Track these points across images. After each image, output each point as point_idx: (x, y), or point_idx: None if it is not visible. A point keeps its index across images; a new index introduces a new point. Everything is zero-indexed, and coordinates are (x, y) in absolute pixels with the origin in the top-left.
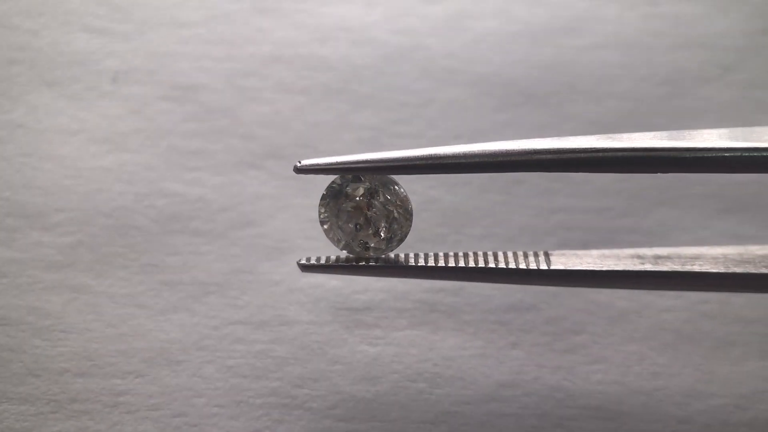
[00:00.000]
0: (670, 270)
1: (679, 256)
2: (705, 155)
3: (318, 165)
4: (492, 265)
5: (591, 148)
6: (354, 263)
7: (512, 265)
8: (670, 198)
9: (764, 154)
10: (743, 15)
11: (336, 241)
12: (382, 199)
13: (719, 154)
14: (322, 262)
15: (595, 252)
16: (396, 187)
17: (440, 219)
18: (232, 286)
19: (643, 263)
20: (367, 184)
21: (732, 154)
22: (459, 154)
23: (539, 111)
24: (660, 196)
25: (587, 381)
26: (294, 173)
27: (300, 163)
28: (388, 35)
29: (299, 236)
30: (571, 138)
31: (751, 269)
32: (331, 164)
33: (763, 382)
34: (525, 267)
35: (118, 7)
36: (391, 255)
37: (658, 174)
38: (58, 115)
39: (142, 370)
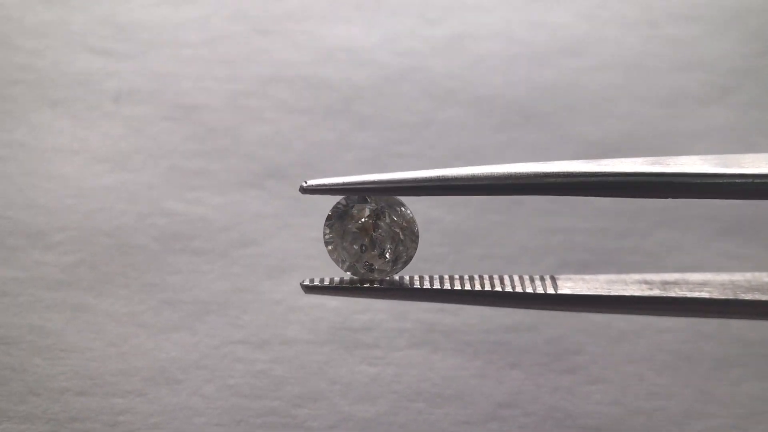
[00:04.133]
0: (678, 296)
1: (687, 282)
2: (693, 181)
3: (324, 185)
4: (498, 288)
5: (581, 173)
6: (358, 285)
7: (519, 289)
8: (669, 219)
9: (747, 180)
10: (741, 38)
11: (340, 263)
12: (388, 220)
13: (706, 181)
14: (326, 283)
15: (602, 277)
16: (402, 208)
17: (441, 239)
18: (233, 306)
19: (651, 288)
20: (373, 205)
21: (718, 180)
22: (466, 176)
23: (539, 131)
24: (659, 218)
25: (586, 401)
26: (296, 193)
27: (306, 183)
28: (389, 56)
29: (300, 256)
30: (563, 162)
31: (759, 296)
32: (337, 184)
33: (762, 403)
34: (532, 291)
35: (121, 28)
36: (396, 277)
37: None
38: (60, 134)
39: (142, 389)
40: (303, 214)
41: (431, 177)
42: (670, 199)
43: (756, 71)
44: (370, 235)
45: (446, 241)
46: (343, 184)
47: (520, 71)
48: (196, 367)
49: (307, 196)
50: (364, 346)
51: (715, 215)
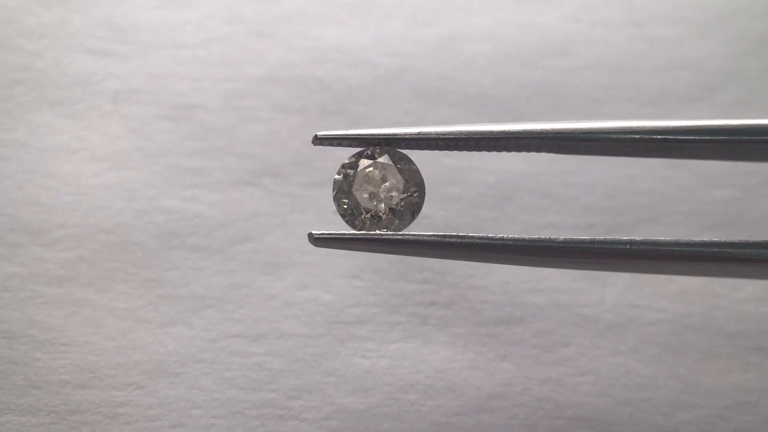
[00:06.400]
0: (685, 240)
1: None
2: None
3: (335, 135)
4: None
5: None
6: (367, 236)
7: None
8: (655, 215)
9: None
10: (726, 38)
11: (348, 216)
12: (394, 174)
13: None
14: (334, 233)
15: None
16: (409, 163)
17: None
18: (230, 300)
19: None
20: (381, 160)
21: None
22: (473, 131)
23: None
24: (646, 213)
25: (575, 392)
26: (292, 190)
27: (318, 134)
28: (381, 57)
29: (295, 251)
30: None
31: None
32: (348, 135)
33: (746, 393)
34: (537, 238)
35: (119, 30)
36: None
37: (644, 191)
38: (60, 133)
39: (141, 382)
40: (298, 211)
41: (434, 131)
42: (655, 196)
43: (740, 71)
44: (377, 188)
45: None
46: (354, 134)
47: (510, 71)
48: (193, 361)
49: (303, 192)
50: (358, 339)
51: (699, 210)
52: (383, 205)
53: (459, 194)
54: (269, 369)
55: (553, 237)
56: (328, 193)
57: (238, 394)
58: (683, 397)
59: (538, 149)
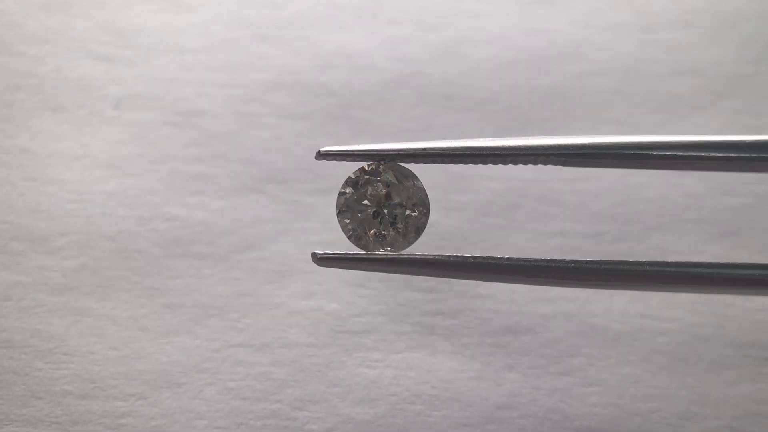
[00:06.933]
0: (693, 262)
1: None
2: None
3: (339, 151)
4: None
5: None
6: (370, 255)
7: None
8: (664, 223)
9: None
10: (735, 44)
11: (352, 233)
12: (399, 192)
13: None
14: (338, 253)
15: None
16: (414, 180)
17: (438, 243)
18: (233, 309)
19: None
20: (385, 176)
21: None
22: (478, 147)
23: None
24: (655, 221)
25: (583, 403)
26: (296, 197)
27: (322, 149)
28: (387, 62)
29: (300, 260)
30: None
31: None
32: (352, 151)
33: (757, 404)
34: (542, 259)
35: (122, 34)
36: (407, 251)
37: (653, 199)
38: (62, 140)
39: (143, 392)
40: (303, 219)
41: (438, 146)
42: (665, 204)
43: (749, 77)
44: (381, 205)
45: (444, 245)
46: (358, 150)
47: (517, 77)
48: (197, 371)
49: (307, 200)
50: (364, 349)
51: (709, 218)
52: (388, 223)
53: (466, 202)
54: (273, 379)
55: (559, 258)
56: (333, 200)
57: (242, 404)
58: (693, 408)
59: (545, 163)
